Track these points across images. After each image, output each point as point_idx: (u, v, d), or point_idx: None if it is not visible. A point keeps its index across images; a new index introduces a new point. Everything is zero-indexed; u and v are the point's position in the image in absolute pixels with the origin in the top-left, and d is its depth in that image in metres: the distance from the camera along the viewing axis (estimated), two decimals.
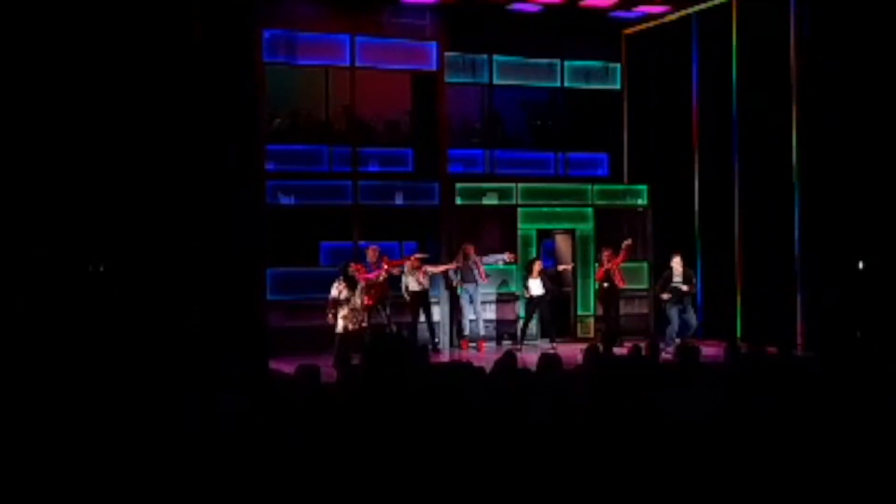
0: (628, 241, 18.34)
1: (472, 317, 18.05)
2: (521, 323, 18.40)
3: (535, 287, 17.83)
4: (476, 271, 17.89)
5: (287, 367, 12.48)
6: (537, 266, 17.96)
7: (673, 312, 17.44)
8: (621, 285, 18.14)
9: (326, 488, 6.16)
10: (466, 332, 18.11)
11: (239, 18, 14.41)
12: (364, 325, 14.91)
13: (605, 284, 18.07)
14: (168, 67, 13.58)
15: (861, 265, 16.16)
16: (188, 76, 13.53)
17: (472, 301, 17.97)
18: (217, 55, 13.61)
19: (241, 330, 13.87)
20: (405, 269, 17.35)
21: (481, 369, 9.42)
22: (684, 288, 17.46)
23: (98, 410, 8.22)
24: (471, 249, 17.90)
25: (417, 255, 17.61)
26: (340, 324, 14.64)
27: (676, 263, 17.59)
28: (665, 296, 17.49)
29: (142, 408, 8.24)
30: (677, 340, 16.64)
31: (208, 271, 13.35)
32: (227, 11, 13.91)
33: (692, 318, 17.59)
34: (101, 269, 12.91)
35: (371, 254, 17.01)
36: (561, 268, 19.32)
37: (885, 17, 15.61)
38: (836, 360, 10.84)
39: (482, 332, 18.12)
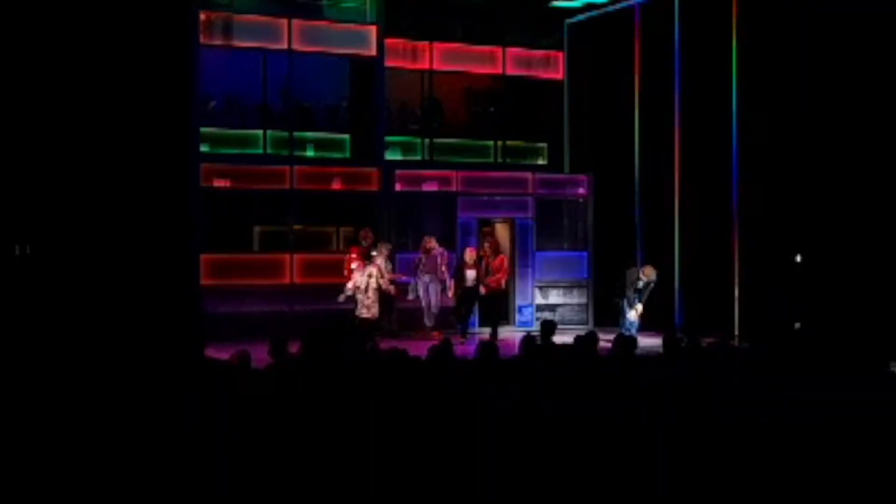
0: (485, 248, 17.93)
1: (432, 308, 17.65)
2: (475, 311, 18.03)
3: (470, 277, 17.53)
4: (438, 263, 17.47)
5: (222, 355, 12.17)
6: (470, 255, 17.56)
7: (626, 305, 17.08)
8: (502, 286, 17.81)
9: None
10: (429, 322, 17.66)
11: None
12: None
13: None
14: (101, 46, 13.20)
15: (799, 258, 16.19)
16: (122, 56, 13.16)
17: (427, 291, 17.65)
18: (152, 36, 13.27)
19: (175, 317, 13.54)
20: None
21: (417, 358, 9.24)
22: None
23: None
24: (432, 242, 17.62)
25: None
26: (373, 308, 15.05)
27: (649, 274, 16.90)
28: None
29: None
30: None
31: (140, 256, 13.01)
32: None
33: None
34: (27, 251, 12.50)
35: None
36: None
37: (827, 7, 15.61)
38: (774, 352, 10.80)
39: (431, 323, 17.59)
